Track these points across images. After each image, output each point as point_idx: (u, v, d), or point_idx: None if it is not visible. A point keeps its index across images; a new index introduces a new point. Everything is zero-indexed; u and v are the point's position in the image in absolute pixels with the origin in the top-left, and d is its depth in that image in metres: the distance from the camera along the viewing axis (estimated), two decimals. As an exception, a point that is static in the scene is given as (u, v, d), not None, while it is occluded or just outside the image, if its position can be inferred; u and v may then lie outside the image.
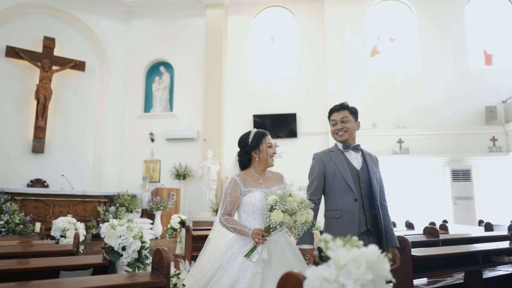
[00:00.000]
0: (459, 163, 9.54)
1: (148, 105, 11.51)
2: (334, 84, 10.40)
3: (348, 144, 2.45)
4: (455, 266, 3.03)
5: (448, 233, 5.60)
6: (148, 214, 8.33)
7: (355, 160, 2.42)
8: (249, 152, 2.39)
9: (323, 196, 2.45)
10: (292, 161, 9.27)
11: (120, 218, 7.39)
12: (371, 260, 0.87)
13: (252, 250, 2.04)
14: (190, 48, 11.34)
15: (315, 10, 10.99)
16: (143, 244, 2.32)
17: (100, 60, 11.30)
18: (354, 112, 2.49)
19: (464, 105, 10.00)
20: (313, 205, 2.07)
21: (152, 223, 8.15)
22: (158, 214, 8.20)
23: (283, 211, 1.95)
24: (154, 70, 11.63)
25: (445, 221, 7.06)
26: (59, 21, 10.92)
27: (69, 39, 10.93)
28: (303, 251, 2.25)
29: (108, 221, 2.34)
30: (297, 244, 2.28)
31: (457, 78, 10.19)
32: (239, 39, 11.36)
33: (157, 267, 1.74)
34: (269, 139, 2.43)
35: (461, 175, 9.33)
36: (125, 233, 2.25)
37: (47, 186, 9.93)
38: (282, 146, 10.27)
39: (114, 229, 2.28)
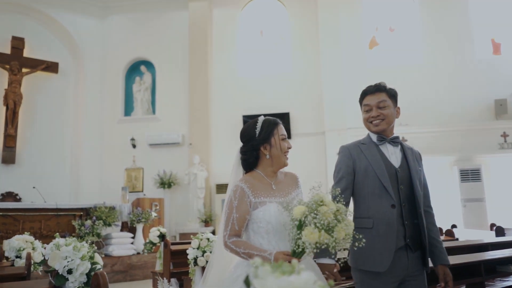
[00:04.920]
0: (468, 162, 9.44)
1: (128, 108, 11.39)
2: (330, 80, 10.30)
3: (385, 136, 2.14)
4: (455, 278, 2.91)
5: (455, 239, 5.50)
6: (128, 227, 8.19)
7: (393, 155, 2.12)
8: (257, 147, 1.95)
9: (351, 200, 2.13)
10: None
11: (97, 233, 7.29)
12: (302, 291, 0.75)
13: None
14: (173, 45, 11.23)
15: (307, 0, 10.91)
16: (94, 266, 2.19)
17: (75, 60, 11.19)
18: (393, 95, 2.19)
19: (472, 99, 9.89)
20: (352, 213, 1.72)
21: (133, 237, 8.01)
22: (139, 227, 8.06)
23: (318, 228, 1.52)
24: (134, 70, 11.52)
25: (454, 226, 6.98)
26: (29, 19, 10.81)
27: (40, 38, 10.81)
28: (322, 266, 1.88)
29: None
30: (314, 258, 1.89)
31: (463, 70, 10.08)
32: (226, 33, 11.26)
33: (95, 294, 1.62)
34: (282, 129, 1.99)
35: (470, 175, 9.23)
36: (71, 253, 2.12)
37: (19, 200, 9.81)
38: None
39: (59, 250, 2.16)
